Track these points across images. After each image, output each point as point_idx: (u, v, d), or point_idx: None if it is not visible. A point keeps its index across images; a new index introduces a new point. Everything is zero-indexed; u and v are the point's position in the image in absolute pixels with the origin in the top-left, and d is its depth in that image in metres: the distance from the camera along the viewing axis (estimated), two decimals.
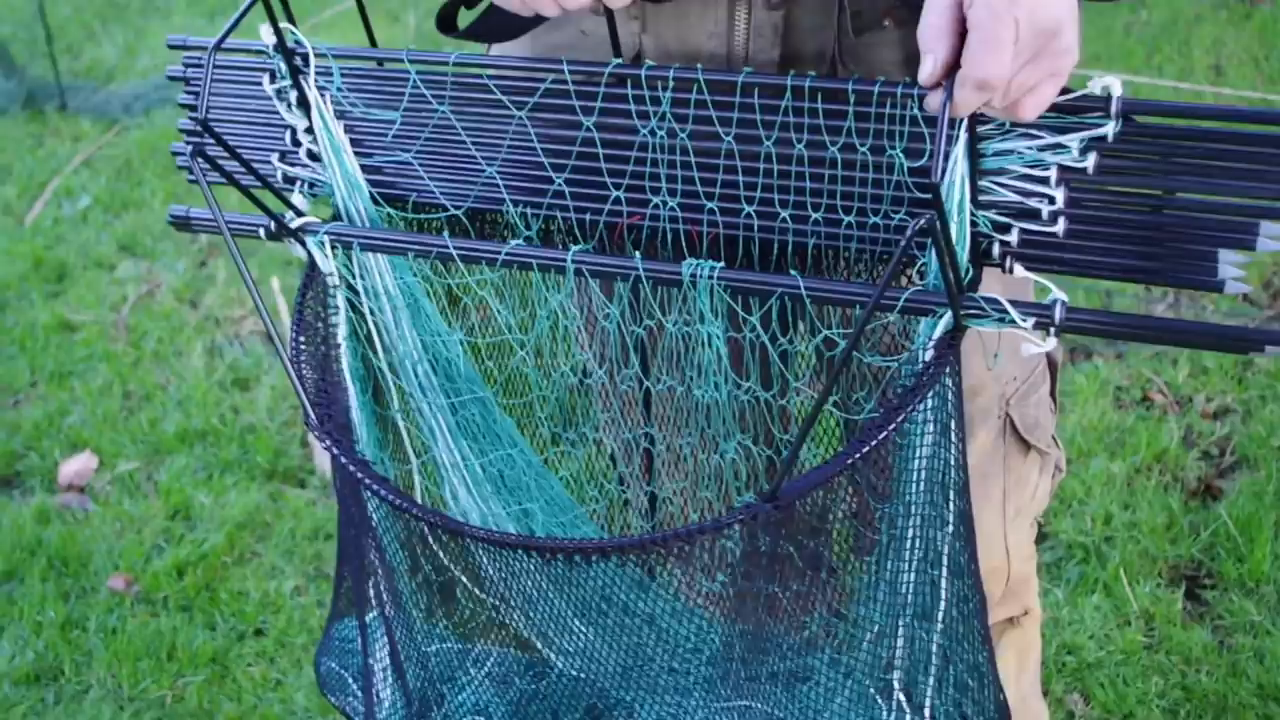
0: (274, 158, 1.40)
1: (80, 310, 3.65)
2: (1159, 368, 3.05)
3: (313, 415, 1.21)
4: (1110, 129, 1.11)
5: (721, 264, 1.21)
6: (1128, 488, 2.73)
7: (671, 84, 1.24)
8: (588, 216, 1.31)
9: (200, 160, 1.20)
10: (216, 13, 5.77)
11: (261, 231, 1.34)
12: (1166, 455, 2.81)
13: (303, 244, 1.32)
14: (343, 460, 1.17)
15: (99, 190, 4.30)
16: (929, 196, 1.18)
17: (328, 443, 1.18)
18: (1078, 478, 2.75)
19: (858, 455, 1.11)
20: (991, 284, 1.21)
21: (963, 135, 1.12)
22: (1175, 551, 2.58)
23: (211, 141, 1.27)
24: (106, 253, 3.95)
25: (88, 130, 4.76)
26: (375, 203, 1.37)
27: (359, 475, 1.17)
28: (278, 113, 1.37)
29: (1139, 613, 2.45)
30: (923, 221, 1.04)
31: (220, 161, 1.27)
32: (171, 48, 1.43)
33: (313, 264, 1.33)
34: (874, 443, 1.11)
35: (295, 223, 1.33)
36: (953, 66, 1.06)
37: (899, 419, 1.13)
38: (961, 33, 1.06)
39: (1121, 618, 2.45)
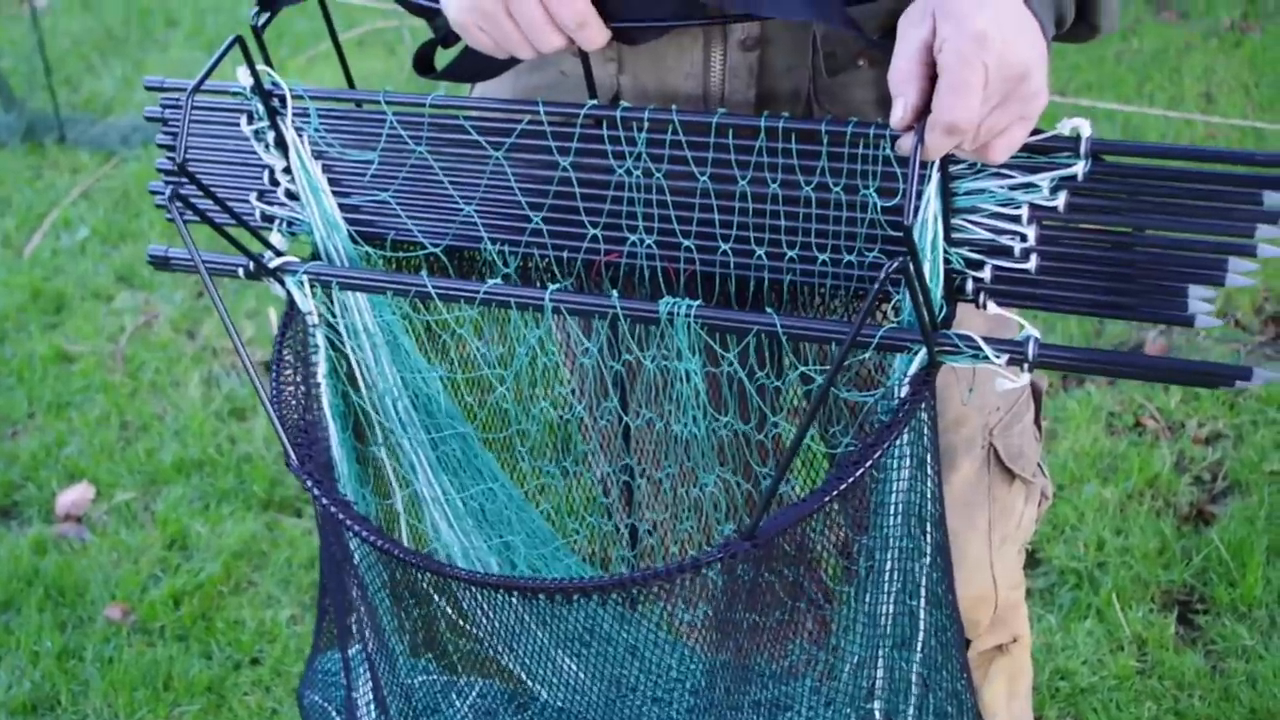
0: (252, 197, 1.41)
1: (78, 341, 3.67)
2: (1151, 393, 3.06)
3: (294, 456, 1.22)
4: (1080, 168, 1.13)
5: (699, 302, 1.22)
6: (1120, 513, 2.74)
7: (646, 124, 1.26)
8: (565, 254, 1.32)
9: (178, 202, 1.21)
10: (215, 45, 5.75)
11: (241, 271, 1.35)
12: (1159, 481, 2.81)
13: (282, 284, 1.34)
14: (324, 501, 1.18)
15: (97, 222, 4.32)
16: (902, 235, 1.19)
17: (309, 483, 1.19)
18: (1070, 503, 2.75)
19: (835, 492, 1.12)
20: (974, 318, 1.23)
21: (935, 175, 1.14)
22: (1168, 576, 2.58)
23: (189, 182, 1.28)
24: (104, 284, 3.96)
25: (86, 162, 4.78)
26: (354, 241, 1.38)
27: (341, 516, 1.18)
28: (255, 152, 1.39)
29: (1132, 638, 2.45)
30: (896, 264, 1.06)
31: (198, 202, 1.28)
32: (149, 89, 1.44)
33: (292, 303, 1.34)
34: (851, 479, 1.12)
35: (274, 262, 1.33)
36: (923, 110, 1.07)
37: (875, 455, 1.14)
38: (931, 76, 1.07)
39: (1114, 643, 2.45)
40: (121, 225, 4.29)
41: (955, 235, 1.19)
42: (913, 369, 1.18)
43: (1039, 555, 2.64)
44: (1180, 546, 2.64)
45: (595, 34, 1.19)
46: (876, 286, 1.05)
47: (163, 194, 1.29)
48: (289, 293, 1.34)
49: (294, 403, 1.31)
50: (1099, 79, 4.56)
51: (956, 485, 1.50)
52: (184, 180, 1.26)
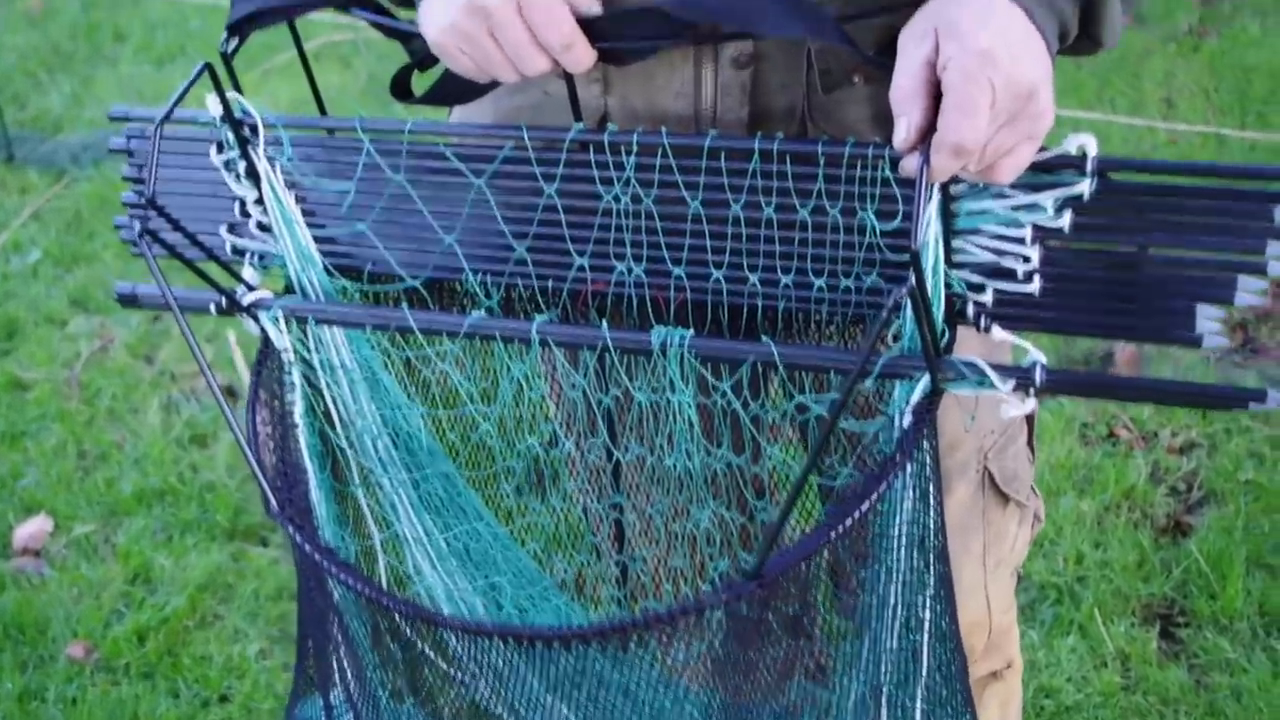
0: (222, 230, 1.36)
1: (31, 368, 3.58)
2: (1123, 404, 3.04)
3: (274, 502, 1.17)
4: (1086, 187, 1.09)
5: (691, 331, 1.18)
6: (1098, 526, 2.72)
7: (635, 148, 1.21)
8: (550, 284, 1.27)
9: (147, 237, 1.16)
10: (165, 60, 5.69)
11: (212, 307, 1.29)
12: (1135, 492, 2.79)
13: (256, 320, 1.29)
14: (307, 548, 1.13)
15: (48, 243, 4.23)
16: (903, 258, 1.15)
17: (291, 529, 1.14)
18: (1048, 517, 2.73)
19: (841, 528, 1.08)
20: (968, 340, 1.19)
21: (936, 195, 1.10)
22: (1148, 590, 2.56)
23: (158, 216, 1.23)
24: (57, 308, 3.88)
25: (35, 182, 4.68)
26: (329, 274, 1.33)
27: (326, 564, 1.13)
28: (225, 183, 1.33)
29: (1115, 653, 2.43)
30: (905, 289, 1.02)
31: (165, 236, 1.23)
32: (114, 120, 1.38)
33: (266, 340, 1.29)
34: (857, 514, 1.09)
35: (247, 298, 1.28)
36: (928, 130, 1.04)
37: (880, 488, 1.10)
38: (935, 95, 1.04)
39: (1098, 658, 2.43)
40: (74, 247, 4.21)
41: (956, 257, 1.15)
42: (915, 397, 1.14)
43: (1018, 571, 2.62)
44: (1159, 558, 2.62)
45: (582, 55, 1.15)
46: (885, 313, 1.01)
47: (129, 229, 1.23)
48: (263, 329, 1.29)
49: (271, 444, 1.26)
50: (1060, 85, 4.51)
51: (951, 510, 1.47)
52: (151, 214, 1.20)
